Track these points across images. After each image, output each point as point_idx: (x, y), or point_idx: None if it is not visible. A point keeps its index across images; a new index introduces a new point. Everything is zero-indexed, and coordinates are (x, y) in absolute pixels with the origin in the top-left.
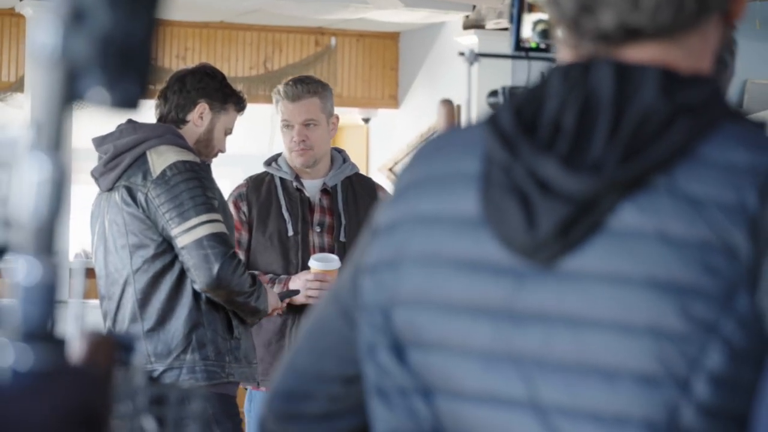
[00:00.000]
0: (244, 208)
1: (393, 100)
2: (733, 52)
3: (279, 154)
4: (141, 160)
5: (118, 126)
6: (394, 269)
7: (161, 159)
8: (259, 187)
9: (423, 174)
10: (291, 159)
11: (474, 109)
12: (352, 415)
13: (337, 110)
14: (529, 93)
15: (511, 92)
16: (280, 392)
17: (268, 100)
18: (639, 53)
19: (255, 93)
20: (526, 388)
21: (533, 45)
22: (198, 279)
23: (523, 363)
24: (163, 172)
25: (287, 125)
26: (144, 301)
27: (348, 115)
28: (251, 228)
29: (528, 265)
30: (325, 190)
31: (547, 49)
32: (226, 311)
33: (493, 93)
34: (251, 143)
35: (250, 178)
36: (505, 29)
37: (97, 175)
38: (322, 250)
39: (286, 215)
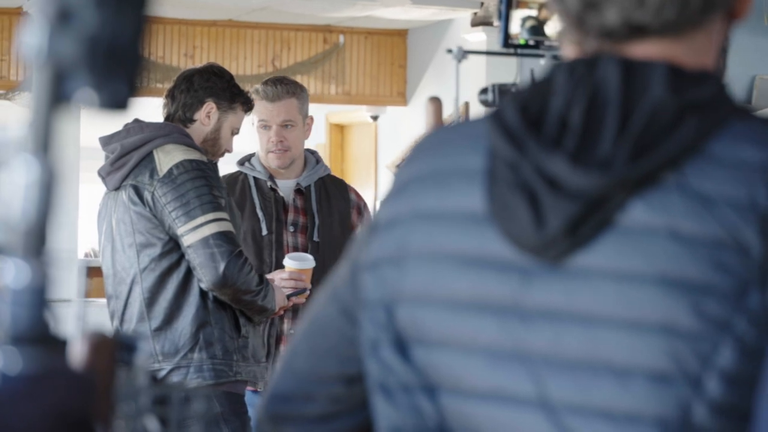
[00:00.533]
0: None
1: (401, 98)
2: (725, 48)
3: (252, 154)
4: (148, 159)
5: (125, 125)
6: (397, 265)
7: (168, 158)
8: (233, 187)
9: (424, 169)
10: (267, 159)
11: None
12: (352, 416)
13: (345, 108)
14: (534, 89)
15: (500, 89)
16: (278, 394)
17: None
18: (644, 50)
19: None
20: (535, 386)
21: (522, 41)
22: (204, 278)
23: (531, 361)
24: (170, 171)
25: (265, 126)
26: (151, 300)
27: (356, 113)
28: None
29: (536, 263)
30: (298, 191)
31: (536, 46)
32: (234, 310)
33: (484, 90)
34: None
35: (223, 177)
36: None
37: (104, 174)
38: (296, 249)
39: (260, 215)
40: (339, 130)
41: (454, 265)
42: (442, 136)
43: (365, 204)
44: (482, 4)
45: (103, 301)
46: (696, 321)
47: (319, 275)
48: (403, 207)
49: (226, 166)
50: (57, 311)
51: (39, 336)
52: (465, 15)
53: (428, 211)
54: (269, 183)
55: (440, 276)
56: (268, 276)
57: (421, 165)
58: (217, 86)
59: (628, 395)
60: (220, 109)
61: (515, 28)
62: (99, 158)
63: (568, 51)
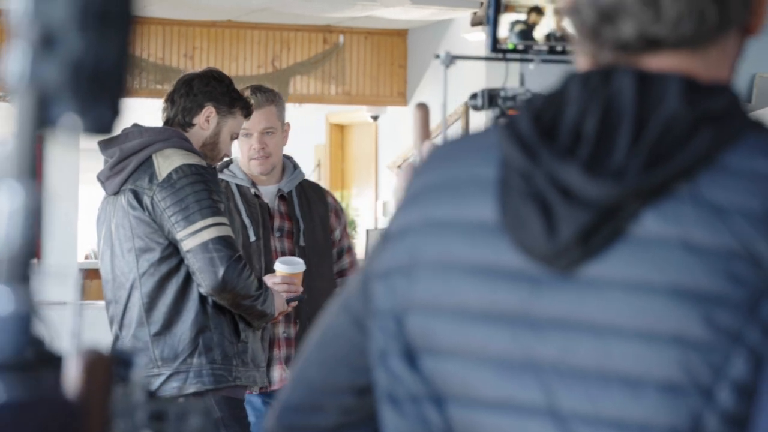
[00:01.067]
0: None
1: (401, 98)
2: None
3: (230, 161)
4: (147, 164)
5: (124, 129)
6: (408, 275)
7: (167, 162)
8: None
9: (436, 179)
10: (249, 166)
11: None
12: (363, 427)
13: (345, 108)
14: (547, 99)
15: (490, 94)
16: (290, 405)
17: None
18: (659, 62)
19: None
20: (545, 396)
21: (510, 46)
22: (203, 282)
23: (541, 370)
24: (169, 176)
25: (246, 134)
26: (150, 305)
27: (356, 113)
28: None
29: (547, 272)
30: (281, 196)
31: (525, 50)
32: (233, 315)
33: (473, 96)
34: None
35: None
36: None
37: (104, 178)
38: (283, 254)
39: (246, 221)
40: (339, 130)
41: (465, 275)
42: (454, 146)
43: (341, 207)
44: (482, 4)
45: (102, 303)
46: (708, 332)
47: (305, 279)
48: (415, 217)
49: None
50: (52, 321)
51: (24, 363)
52: (465, 15)
53: (440, 221)
54: (253, 190)
55: (451, 285)
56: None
57: (433, 175)
58: (216, 91)
59: (639, 406)
60: (220, 113)
61: (503, 32)
62: (98, 159)
63: (582, 62)
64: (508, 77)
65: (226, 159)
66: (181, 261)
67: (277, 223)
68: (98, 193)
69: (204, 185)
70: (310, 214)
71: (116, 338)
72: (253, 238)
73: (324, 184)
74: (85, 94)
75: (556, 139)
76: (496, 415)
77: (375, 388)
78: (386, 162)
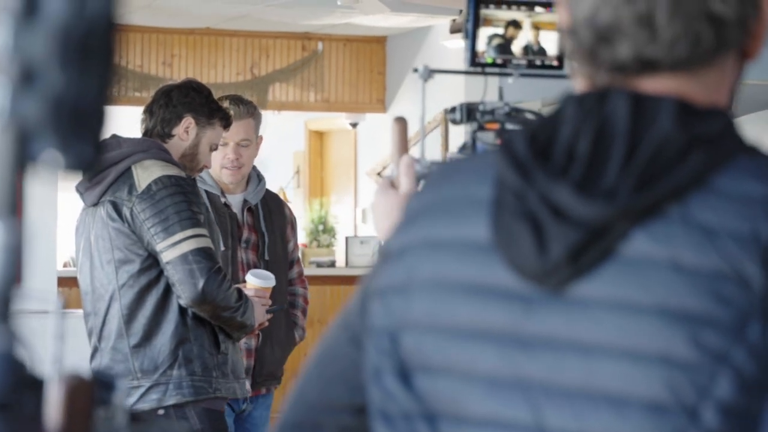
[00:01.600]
0: None
1: (380, 104)
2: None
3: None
4: (126, 175)
5: (102, 140)
6: (403, 294)
7: (146, 173)
8: None
9: (433, 199)
10: (220, 175)
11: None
12: None
13: (324, 115)
14: (544, 120)
15: (468, 108)
16: (289, 423)
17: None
18: (655, 84)
19: None
20: (533, 414)
21: (489, 60)
22: (183, 294)
23: (530, 389)
24: (149, 187)
25: (223, 143)
26: (130, 317)
27: (335, 120)
28: None
29: (537, 291)
30: (249, 208)
31: (503, 65)
32: (213, 326)
33: (452, 109)
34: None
35: None
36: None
37: (82, 190)
38: (249, 266)
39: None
40: (318, 137)
41: (457, 294)
42: (453, 166)
43: (295, 218)
44: (461, 11)
45: (81, 312)
46: (694, 352)
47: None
48: (413, 236)
49: None
50: (33, 343)
51: (6, 403)
52: (444, 22)
53: (436, 241)
54: (222, 198)
55: (444, 304)
56: None
57: (431, 195)
58: (195, 101)
59: (624, 425)
60: (199, 124)
61: (481, 46)
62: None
63: (579, 84)
64: (486, 91)
65: None
66: (161, 272)
67: (244, 234)
68: (77, 201)
69: (183, 196)
70: (272, 227)
71: (95, 350)
72: (222, 247)
73: (303, 191)
74: (66, 131)
75: (549, 158)
76: None
77: (369, 405)
78: (365, 169)
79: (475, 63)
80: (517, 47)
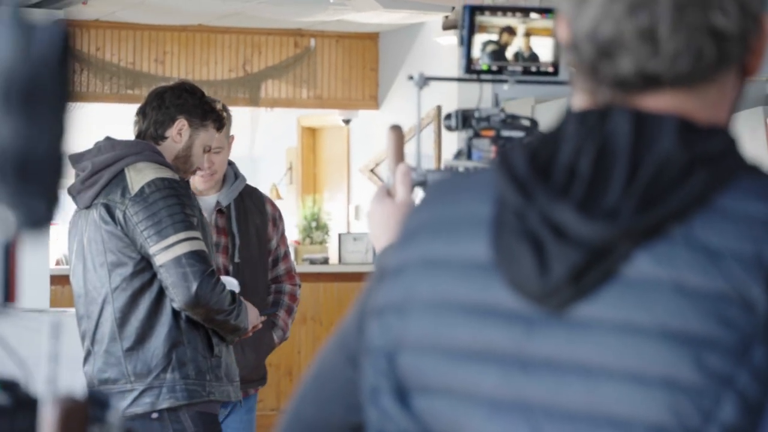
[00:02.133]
0: None
1: (373, 101)
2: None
3: None
4: (119, 178)
5: (96, 143)
6: (401, 313)
7: (140, 176)
8: None
9: (432, 217)
10: (194, 182)
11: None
12: None
13: (317, 112)
14: (544, 138)
15: (464, 115)
16: None
17: (248, 102)
18: (657, 102)
19: (234, 96)
20: None
21: (484, 67)
22: (176, 297)
23: (531, 410)
24: (142, 190)
25: (206, 150)
26: (123, 320)
27: (328, 116)
28: None
29: (539, 311)
30: (219, 210)
31: (499, 71)
32: (206, 329)
33: (447, 116)
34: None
35: None
36: None
37: (75, 192)
38: (218, 270)
39: None
40: (311, 133)
41: (457, 314)
42: (451, 185)
43: (280, 215)
44: (453, 8)
45: (73, 311)
46: (698, 375)
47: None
48: (411, 254)
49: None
50: (27, 361)
51: None
52: (436, 18)
53: (435, 259)
54: None
55: (443, 324)
56: None
57: (429, 213)
58: (188, 103)
59: None
60: (192, 126)
61: (476, 52)
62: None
63: (580, 100)
64: (482, 97)
65: None
66: (154, 276)
67: (213, 238)
68: (69, 200)
69: (177, 199)
70: (246, 228)
71: (88, 353)
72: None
73: (296, 187)
74: (14, 186)
75: (550, 177)
76: None
77: (366, 425)
78: (358, 165)
79: (471, 70)
80: (511, 53)
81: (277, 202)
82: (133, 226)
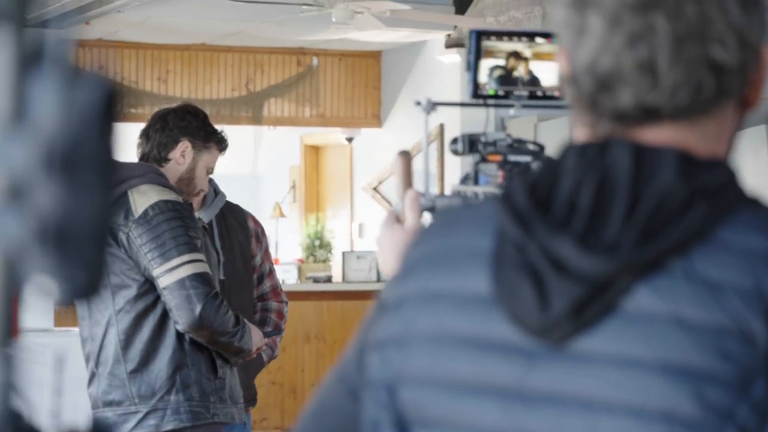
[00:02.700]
0: None
1: (376, 119)
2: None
3: None
4: (122, 200)
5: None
6: (401, 346)
7: (143, 198)
8: None
9: (432, 250)
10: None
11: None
12: None
13: (320, 130)
14: (544, 170)
15: (470, 140)
16: None
17: (251, 121)
18: (656, 135)
19: (237, 114)
20: None
21: (491, 92)
22: (180, 320)
23: None
24: (145, 212)
25: (209, 172)
26: (127, 342)
27: (331, 134)
28: None
29: (539, 345)
30: (201, 227)
31: (505, 96)
32: (210, 351)
33: (454, 140)
34: (235, 164)
35: None
36: None
37: None
38: None
39: None
40: (314, 151)
41: (457, 347)
42: (451, 217)
43: (263, 230)
44: (455, 27)
45: (77, 330)
46: (698, 409)
47: None
48: (411, 287)
49: None
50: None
51: None
52: (439, 36)
53: (435, 293)
54: None
55: (444, 358)
56: None
57: (429, 246)
58: (192, 125)
59: None
60: (195, 148)
61: (483, 77)
62: None
63: (580, 133)
64: (488, 122)
65: None
66: (158, 298)
67: None
68: None
69: (180, 221)
70: (229, 244)
71: (92, 375)
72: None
73: (299, 205)
74: (56, 256)
75: (550, 210)
76: None
77: None
78: (361, 184)
79: (478, 95)
80: (517, 78)
81: (281, 221)
82: (137, 249)
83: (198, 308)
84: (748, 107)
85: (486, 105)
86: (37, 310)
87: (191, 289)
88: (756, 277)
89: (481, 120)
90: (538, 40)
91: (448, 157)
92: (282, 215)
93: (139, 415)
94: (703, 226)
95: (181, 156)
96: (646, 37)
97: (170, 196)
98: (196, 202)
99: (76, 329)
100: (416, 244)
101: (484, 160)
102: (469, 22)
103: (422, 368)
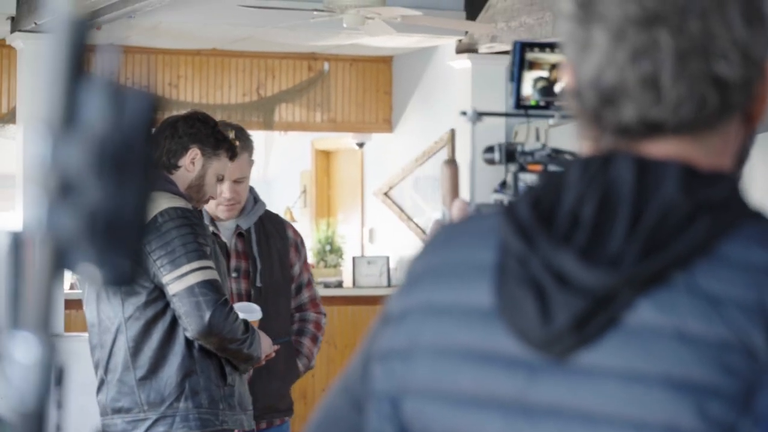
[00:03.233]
0: None
1: (387, 124)
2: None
3: None
4: None
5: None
6: (405, 359)
7: (152, 205)
8: None
9: (436, 263)
10: (216, 211)
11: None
12: None
13: (331, 135)
14: (547, 184)
15: (508, 150)
16: None
17: (262, 126)
18: (660, 148)
19: (249, 119)
20: None
21: (533, 102)
22: (189, 327)
23: None
24: (155, 219)
25: (219, 179)
26: (136, 349)
27: (342, 139)
28: None
29: (542, 359)
30: (239, 234)
31: (546, 106)
32: (219, 358)
33: (489, 149)
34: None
35: None
36: (498, 53)
37: None
38: (240, 296)
39: None
40: (325, 156)
41: (461, 360)
42: (455, 230)
43: (302, 240)
44: (467, 32)
45: (86, 335)
46: (701, 423)
47: (262, 319)
48: (414, 300)
49: None
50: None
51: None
52: (450, 42)
53: (439, 305)
54: (211, 228)
55: (447, 370)
56: None
57: (433, 258)
58: (201, 132)
59: None
60: (205, 155)
61: (527, 89)
62: None
63: (585, 147)
64: (530, 133)
65: None
66: (167, 305)
67: (233, 263)
68: None
69: (190, 228)
70: (268, 252)
71: (102, 383)
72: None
73: (310, 210)
74: (102, 245)
75: (553, 224)
76: None
77: None
78: (372, 189)
79: (520, 105)
80: (559, 88)
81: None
82: (146, 256)
83: (207, 315)
84: (753, 122)
85: (527, 115)
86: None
87: (200, 296)
88: (758, 291)
89: (490, 127)
90: None
91: (460, 159)
92: (293, 220)
93: (148, 422)
94: (706, 239)
95: (191, 163)
96: (650, 53)
97: (180, 203)
98: (234, 209)
99: (86, 335)
100: (420, 256)
101: (523, 169)
102: (480, 28)
103: (426, 381)
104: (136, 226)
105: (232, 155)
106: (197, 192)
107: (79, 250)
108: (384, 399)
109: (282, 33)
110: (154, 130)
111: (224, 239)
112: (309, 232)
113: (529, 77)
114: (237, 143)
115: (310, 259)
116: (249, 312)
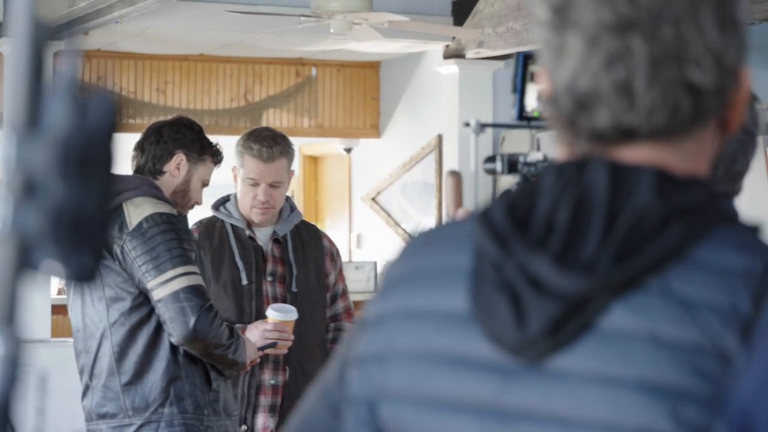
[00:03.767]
0: None
1: (374, 130)
2: (757, 123)
3: (227, 198)
4: (117, 212)
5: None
6: (381, 363)
7: (137, 211)
8: (211, 233)
9: (412, 268)
10: (249, 213)
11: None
12: None
13: (318, 141)
14: (523, 189)
15: (510, 160)
16: None
17: None
18: (634, 154)
19: (236, 125)
20: None
21: (536, 114)
22: (174, 332)
23: None
24: (140, 224)
25: (254, 183)
26: (121, 355)
27: (330, 145)
28: None
29: (516, 363)
30: (276, 240)
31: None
32: (204, 363)
33: (490, 159)
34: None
35: (201, 222)
36: (485, 58)
37: None
38: (275, 299)
39: (239, 264)
40: (312, 161)
41: (436, 365)
42: (431, 235)
43: (338, 250)
44: (454, 38)
45: (71, 341)
46: (674, 427)
47: (297, 325)
48: (391, 305)
49: (208, 198)
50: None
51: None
52: (437, 47)
53: (414, 310)
54: (247, 232)
55: (422, 375)
56: (251, 325)
57: (409, 263)
58: (186, 138)
59: None
60: (190, 160)
61: (530, 100)
62: None
63: (560, 153)
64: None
65: (222, 196)
66: (152, 310)
67: (270, 267)
68: None
69: (175, 234)
70: (304, 259)
71: (87, 388)
72: (245, 281)
73: None
74: (66, 242)
75: (528, 229)
76: None
77: None
78: (360, 194)
79: (522, 117)
80: None
81: None
82: (131, 261)
83: (192, 321)
84: (729, 128)
85: (529, 126)
86: (34, 321)
87: (185, 301)
88: (732, 295)
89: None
90: None
91: (447, 165)
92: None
93: (133, 428)
94: (680, 244)
95: (176, 168)
96: (623, 59)
97: (164, 208)
98: (269, 213)
99: (69, 340)
100: (396, 262)
101: (526, 179)
102: (467, 33)
103: (401, 385)
104: (98, 224)
105: (218, 161)
106: (182, 197)
107: (43, 247)
108: (361, 403)
109: (269, 38)
110: (114, 130)
111: (260, 243)
112: None
113: (532, 89)
114: (221, 150)
115: None
116: (285, 312)
